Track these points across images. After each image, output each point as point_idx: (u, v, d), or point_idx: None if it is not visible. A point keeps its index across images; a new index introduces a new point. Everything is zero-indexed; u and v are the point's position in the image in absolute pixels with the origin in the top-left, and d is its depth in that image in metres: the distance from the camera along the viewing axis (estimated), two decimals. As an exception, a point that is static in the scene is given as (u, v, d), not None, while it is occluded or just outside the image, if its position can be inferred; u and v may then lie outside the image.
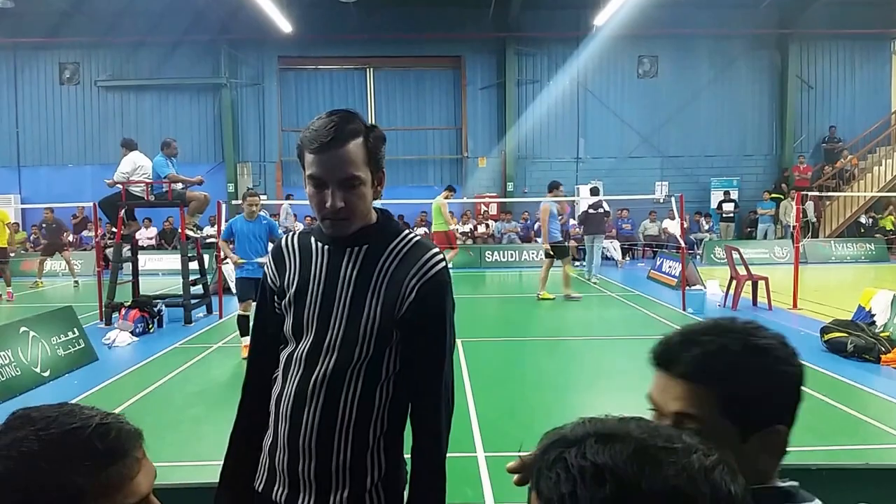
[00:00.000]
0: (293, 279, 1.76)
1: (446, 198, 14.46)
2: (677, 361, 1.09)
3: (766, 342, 1.09)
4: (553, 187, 12.11)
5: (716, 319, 1.15)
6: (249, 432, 1.83)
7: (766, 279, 10.67)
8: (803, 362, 1.13)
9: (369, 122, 1.69)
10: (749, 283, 10.87)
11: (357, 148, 1.63)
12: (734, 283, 10.86)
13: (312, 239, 1.80)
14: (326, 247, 1.75)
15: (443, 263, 1.72)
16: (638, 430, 0.76)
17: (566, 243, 12.52)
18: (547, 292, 11.97)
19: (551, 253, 11.99)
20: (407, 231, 1.77)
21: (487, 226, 20.59)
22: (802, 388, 1.12)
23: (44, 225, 16.54)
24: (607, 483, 0.69)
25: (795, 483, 1.11)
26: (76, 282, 15.28)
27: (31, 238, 19.70)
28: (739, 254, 11.06)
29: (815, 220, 20.19)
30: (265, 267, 1.89)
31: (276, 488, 1.74)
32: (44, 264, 15.63)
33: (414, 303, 1.67)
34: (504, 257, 18.60)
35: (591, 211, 14.67)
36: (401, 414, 1.75)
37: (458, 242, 18.04)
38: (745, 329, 1.11)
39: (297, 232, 1.87)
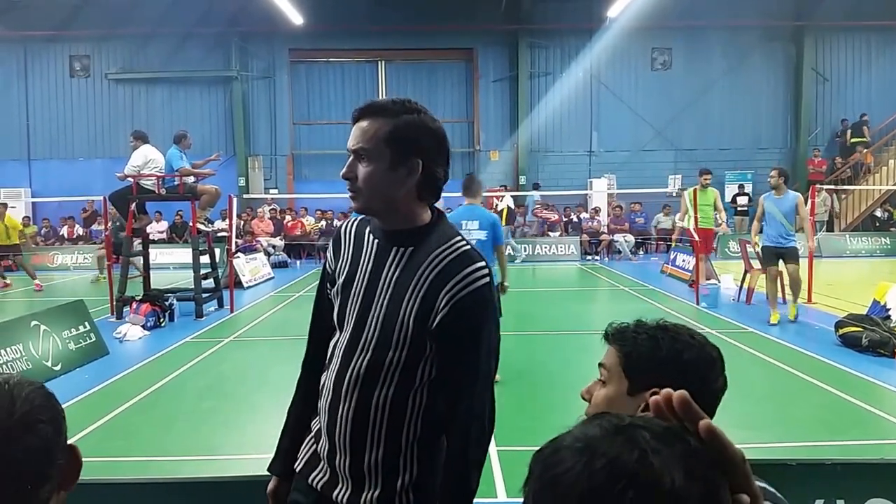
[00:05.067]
0: (344, 267, 1.77)
1: (704, 183, 11.39)
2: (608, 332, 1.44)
3: (672, 334, 1.35)
4: (782, 174, 9.57)
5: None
6: (306, 403, 1.89)
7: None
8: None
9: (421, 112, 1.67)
10: (763, 277, 10.76)
11: (376, 124, 1.63)
12: (748, 277, 10.77)
13: (367, 230, 1.78)
14: (377, 241, 1.73)
15: (485, 280, 1.62)
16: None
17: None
18: (775, 313, 9.45)
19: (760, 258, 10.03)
20: (457, 238, 1.68)
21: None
22: (696, 375, 1.29)
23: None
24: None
25: None
26: (96, 277, 14.64)
27: (42, 232, 19.77)
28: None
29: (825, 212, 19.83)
30: (326, 250, 1.89)
31: (316, 473, 1.78)
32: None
33: (447, 316, 1.61)
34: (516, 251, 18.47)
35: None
36: (436, 422, 1.72)
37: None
38: (670, 326, 1.38)
39: (358, 219, 1.84)
